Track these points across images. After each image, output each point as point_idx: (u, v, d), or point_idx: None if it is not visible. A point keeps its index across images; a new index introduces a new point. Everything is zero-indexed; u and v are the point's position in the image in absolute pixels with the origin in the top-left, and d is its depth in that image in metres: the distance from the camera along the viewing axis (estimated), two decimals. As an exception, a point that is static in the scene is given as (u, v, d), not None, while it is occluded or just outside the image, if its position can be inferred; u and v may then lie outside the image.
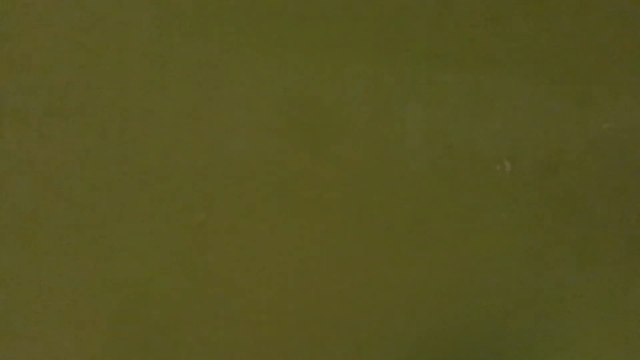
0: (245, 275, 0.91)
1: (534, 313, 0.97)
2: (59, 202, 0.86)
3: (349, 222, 0.94)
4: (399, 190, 0.95)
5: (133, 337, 0.88)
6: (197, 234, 0.90)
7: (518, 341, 0.96)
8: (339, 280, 0.93)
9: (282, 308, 0.92)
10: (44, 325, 0.86)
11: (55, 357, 0.86)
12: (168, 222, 0.89)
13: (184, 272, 0.89)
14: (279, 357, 0.91)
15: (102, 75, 0.88)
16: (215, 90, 0.91)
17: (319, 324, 0.92)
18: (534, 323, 0.97)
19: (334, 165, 0.93)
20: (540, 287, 0.97)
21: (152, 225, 0.89)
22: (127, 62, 0.89)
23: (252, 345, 0.91)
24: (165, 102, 0.90)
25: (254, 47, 0.92)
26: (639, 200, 1.00)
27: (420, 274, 0.95)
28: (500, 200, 0.97)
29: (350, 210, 0.94)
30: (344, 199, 0.93)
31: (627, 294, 0.99)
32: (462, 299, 0.96)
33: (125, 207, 0.88)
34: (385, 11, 0.96)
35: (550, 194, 0.98)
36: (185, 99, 0.90)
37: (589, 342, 0.98)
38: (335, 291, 0.93)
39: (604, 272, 0.99)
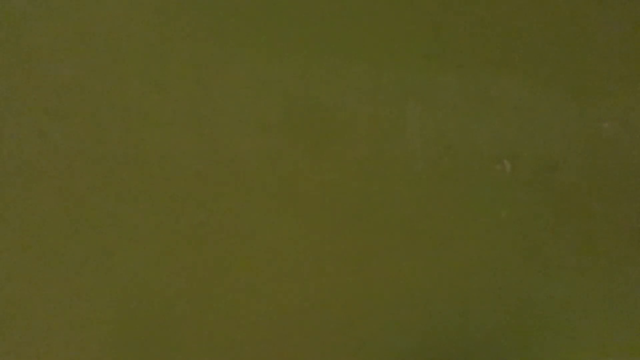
0: (245, 274, 0.91)
1: (534, 313, 0.97)
2: (59, 202, 0.86)
3: (349, 221, 0.94)
4: (399, 190, 0.95)
5: (133, 336, 0.88)
6: (197, 234, 0.90)
7: (518, 341, 0.96)
8: (339, 280, 0.93)
9: (282, 307, 0.92)
10: (44, 325, 0.86)
11: (56, 356, 0.86)
12: (168, 222, 0.89)
13: (184, 271, 0.89)
14: (279, 356, 0.91)
15: (102, 75, 0.88)
16: (215, 90, 0.91)
17: (319, 323, 0.92)
18: (534, 323, 0.97)
19: (334, 165, 0.93)
20: (540, 287, 0.97)
21: (152, 225, 0.89)
22: (127, 62, 0.89)
23: (252, 344, 0.91)
24: (165, 102, 0.89)
25: (254, 47, 0.92)
26: (639, 199, 1.00)
27: (420, 273, 0.95)
28: (500, 200, 0.97)
29: (350, 210, 0.94)
30: (344, 198, 0.93)
31: (627, 293, 0.99)
32: (462, 298, 0.96)
33: (125, 207, 0.88)
34: (385, 11, 0.96)
35: (550, 194, 0.98)
36: (185, 99, 0.90)
37: (589, 342, 0.98)
38: (335, 290, 0.93)
39: (604, 272, 0.99)
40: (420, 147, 0.95)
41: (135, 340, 0.88)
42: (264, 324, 0.91)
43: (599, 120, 1.00)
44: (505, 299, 0.96)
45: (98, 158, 0.88)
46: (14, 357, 0.85)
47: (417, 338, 0.94)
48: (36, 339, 0.86)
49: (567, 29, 1.00)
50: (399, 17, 0.96)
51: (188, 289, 0.89)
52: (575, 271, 0.98)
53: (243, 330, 0.91)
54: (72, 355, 0.86)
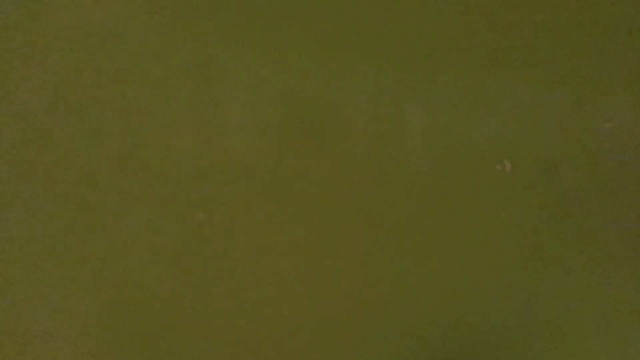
0: (245, 275, 0.91)
1: (534, 313, 0.97)
2: (59, 202, 0.86)
3: (349, 222, 0.94)
4: (399, 190, 0.95)
5: (133, 337, 0.88)
6: (197, 234, 0.90)
7: (518, 341, 0.96)
8: (339, 280, 0.93)
9: (282, 308, 0.92)
10: (44, 326, 0.86)
11: (56, 357, 0.86)
12: (168, 222, 0.89)
13: (183, 272, 0.89)
14: (279, 357, 0.91)
15: (102, 75, 0.88)
16: (215, 90, 0.91)
17: (319, 323, 0.92)
18: (534, 323, 0.97)
19: (334, 165, 0.93)
20: (540, 287, 0.97)
21: (152, 225, 0.89)
22: (127, 62, 0.89)
23: (252, 345, 0.91)
24: (165, 102, 0.90)
25: (254, 47, 0.92)
26: (639, 200, 1.00)
27: (420, 273, 0.95)
28: (500, 200, 0.97)
29: (350, 210, 0.94)
30: (343, 198, 0.93)
31: (627, 294, 0.99)
32: (462, 298, 0.96)
33: (125, 207, 0.88)
34: (385, 11, 0.96)
35: (550, 194, 0.98)
36: (185, 99, 0.90)
37: (589, 342, 0.98)
38: (335, 290, 0.93)
39: (604, 272, 0.99)
40: (420, 147, 0.95)
41: (135, 341, 0.88)
42: (264, 324, 0.91)
43: (599, 120, 1.00)
44: (505, 299, 0.96)
45: (98, 158, 0.88)
46: (14, 357, 0.85)
47: (415, 338, 0.94)
48: (35, 340, 0.86)
49: (567, 29, 1.00)
50: (399, 17, 0.96)
51: (187, 289, 0.89)
52: (575, 271, 0.98)
53: (243, 330, 0.91)
54: (72, 355, 0.86)
